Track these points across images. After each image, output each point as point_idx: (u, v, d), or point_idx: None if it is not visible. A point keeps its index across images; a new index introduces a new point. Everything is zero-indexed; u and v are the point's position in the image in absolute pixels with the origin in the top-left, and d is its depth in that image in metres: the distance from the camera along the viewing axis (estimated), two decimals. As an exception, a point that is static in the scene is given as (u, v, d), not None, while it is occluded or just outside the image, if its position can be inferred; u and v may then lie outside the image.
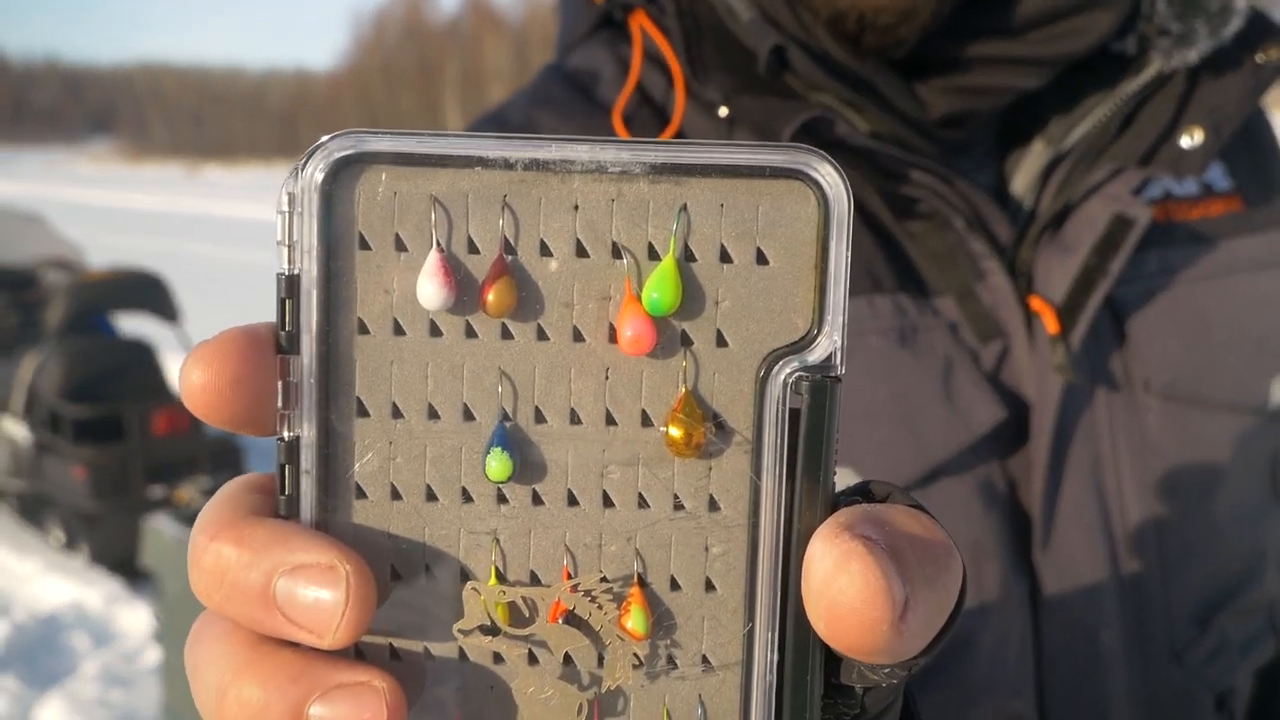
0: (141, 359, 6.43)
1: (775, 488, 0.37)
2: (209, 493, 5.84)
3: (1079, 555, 0.81)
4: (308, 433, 0.37)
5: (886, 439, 0.78)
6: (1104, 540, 0.81)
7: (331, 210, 0.36)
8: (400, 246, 0.37)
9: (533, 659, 0.38)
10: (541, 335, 0.37)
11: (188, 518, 3.99)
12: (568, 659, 0.38)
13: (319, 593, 0.35)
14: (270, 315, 0.38)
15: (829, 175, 0.36)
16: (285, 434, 0.37)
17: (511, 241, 0.36)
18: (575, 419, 0.37)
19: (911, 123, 0.83)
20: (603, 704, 0.38)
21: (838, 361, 0.37)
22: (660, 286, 0.36)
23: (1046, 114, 0.88)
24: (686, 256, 0.37)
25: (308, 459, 0.37)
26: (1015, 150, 0.89)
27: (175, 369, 6.93)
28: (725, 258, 0.37)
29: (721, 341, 0.37)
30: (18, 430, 6.28)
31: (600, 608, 0.37)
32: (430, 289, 0.36)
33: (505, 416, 0.37)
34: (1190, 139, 0.84)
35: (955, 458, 0.79)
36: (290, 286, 0.36)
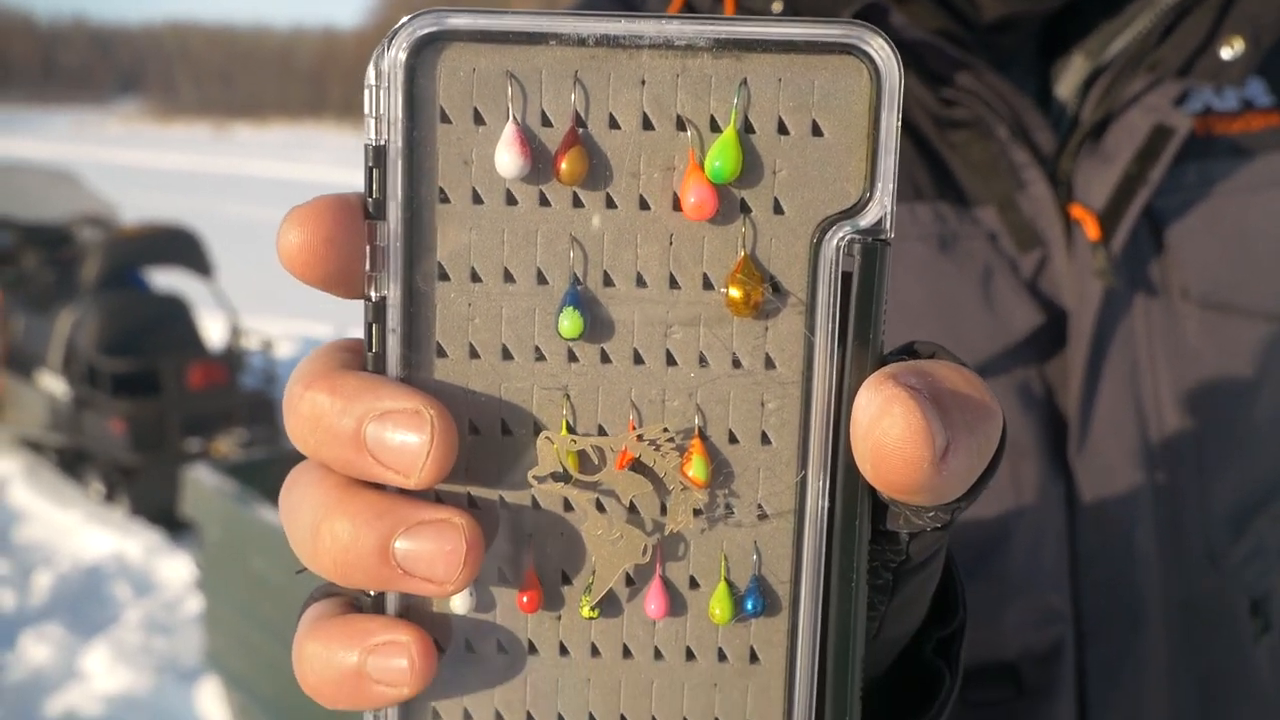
0: (177, 313, 6.50)
1: (828, 346, 0.39)
2: (246, 445, 5.89)
3: (1115, 458, 0.83)
4: (393, 293, 0.40)
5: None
6: (1140, 444, 0.83)
7: (414, 85, 0.39)
8: (479, 120, 0.39)
9: (600, 507, 0.41)
10: (610, 203, 0.39)
11: (227, 469, 4.07)
12: (633, 506, 0.41)
13: (406, 436, 0.38)
14: None
15: (881, 49, 0.38)
16: (373, 294, 0.40)
17: (582, 115, 0.39)
18: (641, 282, 0.40)
19: (963, 23, 0.84)
20: (665, 548, 0.41)
21: (888, 226, 0.39)
22: (722, 155, 0.38)
23: (1088, 25, 0.88)
24: (746, 128, 0.39)
25: (394, 318, 0.40)
26: (1057, 63, 0.90)
27: (210, 324, 6.98)
28: (783, 129, 0.39)
29: (778, 209, 0.39)
30: (56, 385, 6.37)
31: (664, 456, 0.40)
32: (507, 158, 0.38)
33: (576, 280, 0.40)
34: (1230, 49, 0.85)
35: (994, 360, 0.81)
36: (377, 156, 0.39)
